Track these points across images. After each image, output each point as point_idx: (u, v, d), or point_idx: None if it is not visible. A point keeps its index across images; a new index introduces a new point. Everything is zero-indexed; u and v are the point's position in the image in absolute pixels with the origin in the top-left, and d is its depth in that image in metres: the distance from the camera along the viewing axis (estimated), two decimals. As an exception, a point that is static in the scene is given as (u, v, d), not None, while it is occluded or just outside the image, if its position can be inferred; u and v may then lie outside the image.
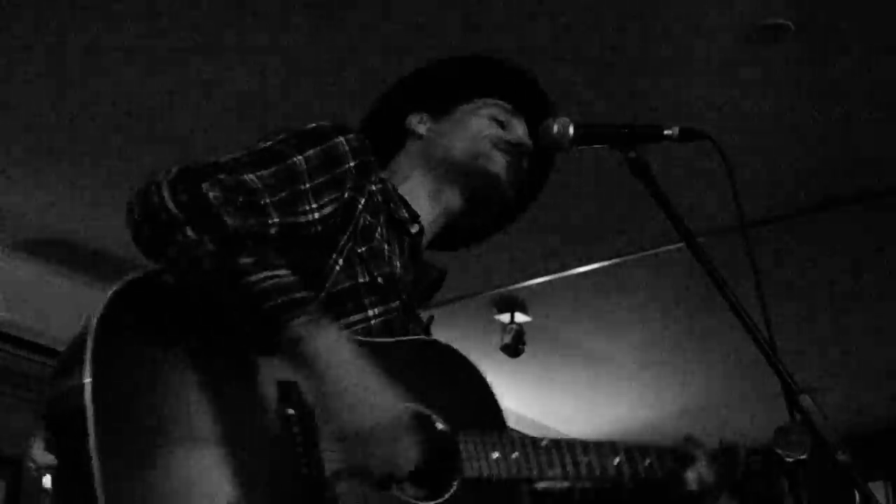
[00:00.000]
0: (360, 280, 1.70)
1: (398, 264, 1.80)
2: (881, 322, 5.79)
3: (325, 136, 1.68)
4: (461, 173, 1.92)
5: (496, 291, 5.47)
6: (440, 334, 1.83)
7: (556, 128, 1.84)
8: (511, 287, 5.42)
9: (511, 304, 5.67)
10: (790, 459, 1.52)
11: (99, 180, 4.35)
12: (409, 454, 1.47)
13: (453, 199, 1.93)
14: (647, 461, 1.83)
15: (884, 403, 7.00)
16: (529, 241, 4.92)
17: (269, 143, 1.65)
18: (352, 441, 1.45)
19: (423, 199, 1.90)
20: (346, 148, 1.68)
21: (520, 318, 5.72)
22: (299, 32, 3.58)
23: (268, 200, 1.55)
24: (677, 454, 1.88)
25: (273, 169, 1.58)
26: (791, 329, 5.67)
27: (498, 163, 1.92)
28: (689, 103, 4.00)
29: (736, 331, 1.95)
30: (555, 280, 5.29)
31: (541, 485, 1.89)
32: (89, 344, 1.35)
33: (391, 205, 1.82)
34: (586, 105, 3.95)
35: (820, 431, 1.52)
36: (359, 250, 1.71)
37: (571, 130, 1.84)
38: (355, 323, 1.67)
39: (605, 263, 5.13)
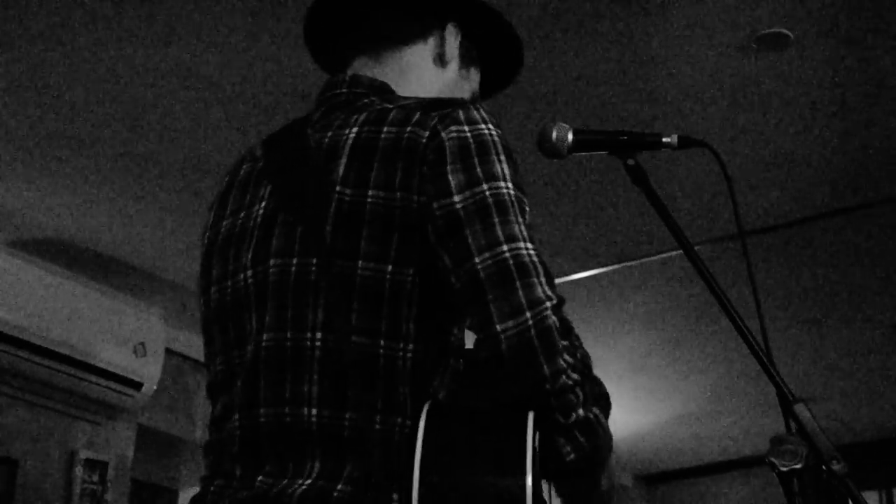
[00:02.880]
0: None
1: None
2: (878, 332, 5.79)
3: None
4: None
5: (492, 296, 5.46)
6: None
7: (555, 134, 1.83)
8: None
9: (507, 310, 5.66)
10: (785, 469, 1.51)
11: (92, 178, 4.35)
12: None
13: None
14: None
15: (879, 412, 7.00)
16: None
17: (514, 211, 1.54)
18: None
19: None
20: None
21: (515, 323, 5.71)
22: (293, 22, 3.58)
23: None
24: None
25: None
26: (787, 338, 5.67)
27: None
28: (688, 111, 3.99)
29: (731, 338, 1.95)
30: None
31: None
32: (528, 450, 1.40)
33: None
34: (584, 112, 3.94)
35: (815, 441, 1.52)
36: None
37: (570, 137, 1.83)
38: None
39: (600, 271, 5.13)
